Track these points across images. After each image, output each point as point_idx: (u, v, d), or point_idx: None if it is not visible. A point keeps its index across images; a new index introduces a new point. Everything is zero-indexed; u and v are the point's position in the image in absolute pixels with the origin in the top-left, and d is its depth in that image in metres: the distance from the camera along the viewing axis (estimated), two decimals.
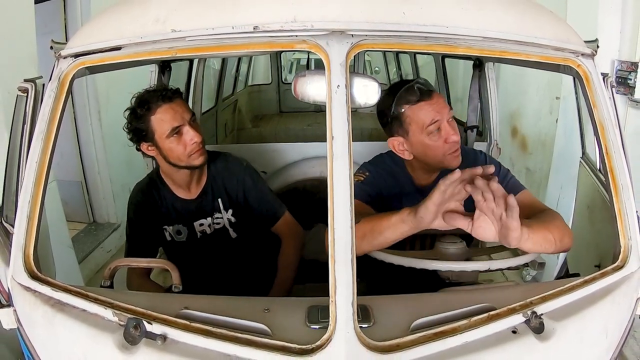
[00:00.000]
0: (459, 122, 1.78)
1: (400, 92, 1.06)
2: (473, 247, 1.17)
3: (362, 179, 1.14)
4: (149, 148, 1.22)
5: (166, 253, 1.39)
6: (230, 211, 1.35)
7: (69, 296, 0.77)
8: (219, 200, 1.34)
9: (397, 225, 0.85)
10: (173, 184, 1.31)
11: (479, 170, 0.77)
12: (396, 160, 1.18)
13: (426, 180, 1.17)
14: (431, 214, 0.80)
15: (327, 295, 0.65)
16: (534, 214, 0.98)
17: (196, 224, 1.34)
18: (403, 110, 1.06)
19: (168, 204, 1.31)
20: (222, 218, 1.35)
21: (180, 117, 1.19)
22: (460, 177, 0.76)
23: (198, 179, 1.32)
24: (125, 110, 1.22)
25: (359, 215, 0.98)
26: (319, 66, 0.74)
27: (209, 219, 1.34)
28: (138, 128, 1.18)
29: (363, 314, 0.71)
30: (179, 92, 1.24)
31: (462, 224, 0.80)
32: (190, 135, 1.19)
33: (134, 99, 1.21)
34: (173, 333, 0.69)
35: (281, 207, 1.39)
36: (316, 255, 1.69)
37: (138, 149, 1.25)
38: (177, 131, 1.18)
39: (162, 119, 1.17)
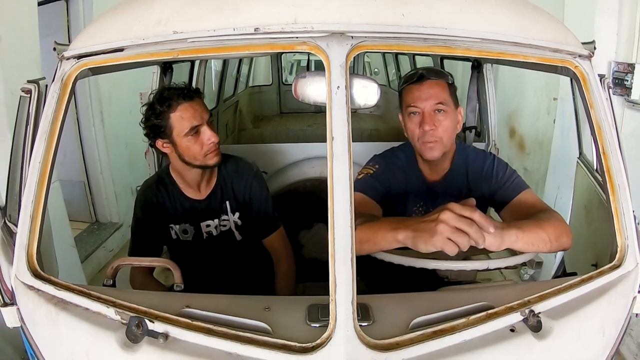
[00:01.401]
0: None
1: (409, 72, 1.12)
2: (471, 246, 1.18)
3: (371, 172, 1.15)
4: (165, 145, 1.22)
5: (170, 251, 1.39)
6: (237, 214, 1.35)
7: (71, 295, 0.78)
8: (227, 202, 1.34)
9: (393, 243, 0.85)
10: (183, 183, 1.31)
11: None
12: (408, 154, 1.19)
13: (434, 176, 1.19)
14: (436, 247, 0.78)
15: (327, 294, 0.66)
16: (535, 213, 0.99)
17: (203, 224, 1.34)
18: (402, 88, 1.13)
19: (176, 202, 1.32)
20: (228, 220, 1.36)
21: (200, 117, 1.19)
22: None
23: (208, 179, 1.32)
24: (143, 106, 1.22)
25: (364, 210, 0.99)
26: (319, 67, 0.75)
27: (216, 220, 1.34)
28: (156, 124, 1.19)
29: (363, 312, 0.72)
30: (199, 91, 1.25)
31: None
32: (207, 135, 1.20)
33: (153, 95, 1.22)
34: (175, 331, 0.70)
35: (278, 220, 1.40)
36: (316, 255, 1.70)
37: (151, 145, 1.25)
38: (195, 130, 1.18)
39: (182, 117, 1.17)
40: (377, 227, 0.88)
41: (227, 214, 1.35)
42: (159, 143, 1.22)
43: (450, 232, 0.74)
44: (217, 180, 1.34)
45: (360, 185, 1.11)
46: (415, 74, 1.10)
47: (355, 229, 0.67)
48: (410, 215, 1.20)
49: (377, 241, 0.86)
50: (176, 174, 1.31)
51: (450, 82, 1.11)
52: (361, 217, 0.88)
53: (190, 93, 1.20)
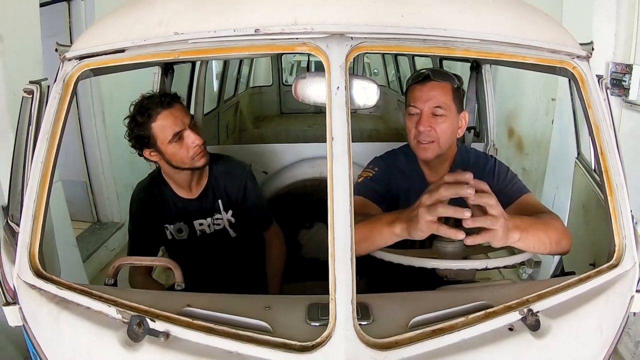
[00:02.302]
0: None
1: (417, 72, 1.12)
2: (470, 246, 1.18)
3: (371, 174, 1.16)
4: (152, 154, 1.23)
5: (168, 251, 1.40)
6: (230, 212, 1.37)
7: (73, 294, 0.78)
8: (219, 201, 1.36)
9: (391, 238, 0.86)
10: (174, 184, 1.33)
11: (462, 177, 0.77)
12: (409, 155, 1.19)
13: (434, 177, 1.19)
14: (424, 232, 0.79)
15: (327, 293, 0.66)
16: (536, 215, 1.00)
17: (196, 223, 1.36)
18: (407, 87, 1.14)
19: (169, 202, 1.33)
20: (222, 219, 1.37)
21: (181, 122, 1.20)
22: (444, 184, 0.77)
23: (198, 179, 1.34)
24: (125, 119, 1.22)
25: (364, 213, 0.99)
26: (319, 68, 0.75)
27: (209, 219, 1.36)
28: (139, 135, 1.20)
29: (362, 311, 0.72)
30: (177, 96, 1.26)
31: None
32: (191, 139, 1.21)
33: (133, 106, 1.22)
34: (176, 330, 0.70)
35: (270, 214, 1.45)
36: (316, 254, 1.71)
37: (140, 155, 1.27)
38: (178, 136, 1.19)
39: (163, 126, 1.18)
40: (373, 224, 0.88)
41: (220, 213, 1.37)
42: (146, 152, 1.23)
43: (432, 214, 0.76)
44: (208, 180, 1.35)
45: (360, 188, 1.12)
46: (421, 74, 1.10)
47: None
48: None
49: (375, 238, 0.87)
50: (167, 176, 1.33)
51: (456, 85, 1.11)
52: (359, 217, 0.89)
53: (167, 100, 1.20)
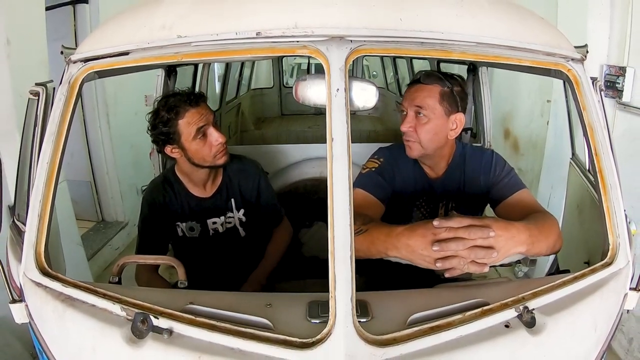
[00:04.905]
0: None
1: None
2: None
3: (376, 165, 1.16)
4: (173, 150, 1.24)
5: (175, 249, 1.41)
6: (242, 211, 1.39)
7: (78, 292, 0.80)
8: (232, 200, 1.37)
9: (390, 258, 0.87)
10: (189, 182, 1.34)
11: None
12: None
13: (433, 174, 1.21)
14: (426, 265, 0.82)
15: (327, 291, 0.68)
16: (531, 214, 1.00)
17: (209, 221, 1.36)
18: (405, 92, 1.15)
19: (182, 201, 1.34)
20: (233, 217, 1.38)
21: (206, 120, 1.22)
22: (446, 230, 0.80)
23: (214, 178, 1.35)
24: (148, 114, 1.24)
25: (364, 210, 1.00)
26: (319, 70, 0.77)
27: (222, 217, 1.37)
28: (164, 132, 1.21)
29: (362, 309, 0.73)
30: (203, 95, 1.27)
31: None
32: (215, 136, 1.22)
33: (157, 102, 1.23)
34: (179, 327, 0.71)
35: (281, 209, 1.47)
36: (316, 252, 1.72)
37: (159, 152, 1.28)
38: (202, 133, 1.21)
39: (189, 122, 1.20)
40: (371, 240, 0.88)
41: (232, 211, 1.38)
42: (168, 149, 1.24)
43: (434, 257, 0.79)
44: (223, 179, 1.37)
45: (364, 181, 1.12)
46: (416, 76, 1.13)
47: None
48: (412, 210, 1.23)
49: (372, 254, 0.88)
50: (182, 174, 1.33)
51: (446, 87, 1.10)
52: (360, 219, 0.89)
53: (195, 98, 1.22)
